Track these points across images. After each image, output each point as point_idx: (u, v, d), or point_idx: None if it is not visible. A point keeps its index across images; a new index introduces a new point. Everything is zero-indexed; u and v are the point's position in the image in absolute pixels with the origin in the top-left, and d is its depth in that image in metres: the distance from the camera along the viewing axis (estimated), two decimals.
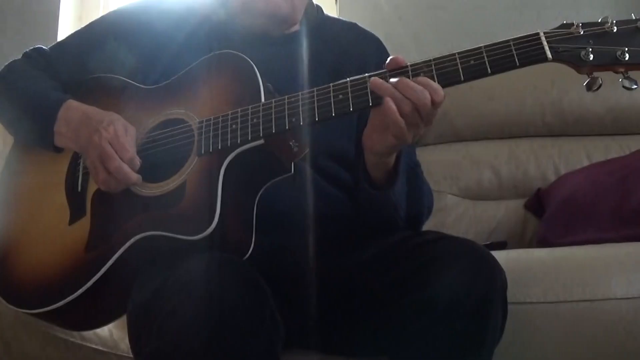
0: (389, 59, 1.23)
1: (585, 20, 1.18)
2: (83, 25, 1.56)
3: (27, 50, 1.52)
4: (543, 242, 1.96)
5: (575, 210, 1.95)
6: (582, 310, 1.42)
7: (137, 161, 1.30)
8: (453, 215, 2.15)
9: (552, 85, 2.15)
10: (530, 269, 1.49)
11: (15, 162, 1.47)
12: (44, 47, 1.52)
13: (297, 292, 1.34)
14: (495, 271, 1.23)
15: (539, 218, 2.07)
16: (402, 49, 1.57)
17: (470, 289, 1.20)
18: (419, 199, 1.41)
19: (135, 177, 1.29)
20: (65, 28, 2.53)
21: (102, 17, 1.52)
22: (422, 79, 1.18)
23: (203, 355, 1.08)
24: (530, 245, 2.09)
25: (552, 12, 2.46)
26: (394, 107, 1.18)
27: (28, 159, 1.45)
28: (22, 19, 2.49)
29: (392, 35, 1.58)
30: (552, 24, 1.20)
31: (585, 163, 2.14)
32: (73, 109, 1.36)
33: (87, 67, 1.46)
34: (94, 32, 1.50)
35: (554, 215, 1.98)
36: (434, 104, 1.18)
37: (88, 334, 1.53)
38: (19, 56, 1.52)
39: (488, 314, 1.22)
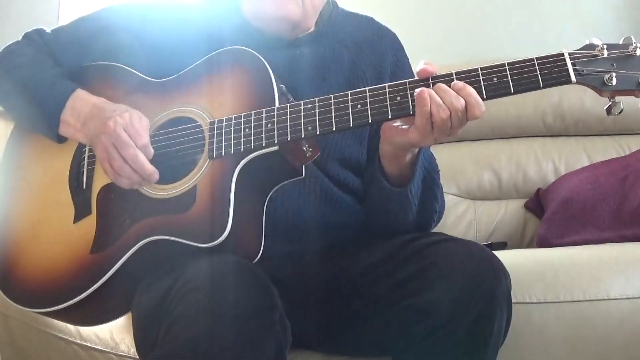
0: (419, 68, 1.21)
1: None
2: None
3: (28, 31, 1.48)
4: (543, 242, 1.96)
5: (575, 211, 1.95)
6: (582, 310, 1.42)
7: (151, 150, 1.27)
8: (453, 216, 2.15)
9: None
10: (530, 269, 1.49)
11: (14, 155, 1.45)
12: (45, 29, 1.48)
13: (302, 294, 1.33)
14: (500, 274, 1.23)
15: (539, 218, 2.07)
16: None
17: (475, 292, 1.20)
18: (432, 203, 1.40)
19: (150, 168, 1.26)
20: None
21: (106, 8, 1.48)
22: (467, 88, 1.16)
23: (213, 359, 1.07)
24: (530, 245, 2.09)
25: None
26: (428, 109, 1.16)
27: (28, 153, 1.43)
28: (22, 16, 2.48)
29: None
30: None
31: (585, 163, 2.14)
32: (82, 99, 1.34)
33: (88, 57, 1.43)
34: (97, 23, 1.46)
35: (554, 215, 1.98)
36: (473, 115, 1.16)
37: (88, 334, 1.53)
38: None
39: (493, 317, 1.22)
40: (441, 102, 1.16)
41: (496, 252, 1.28)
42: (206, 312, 1.08)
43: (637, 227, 1.84)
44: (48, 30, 1.48)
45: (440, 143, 1.24)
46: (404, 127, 1.23)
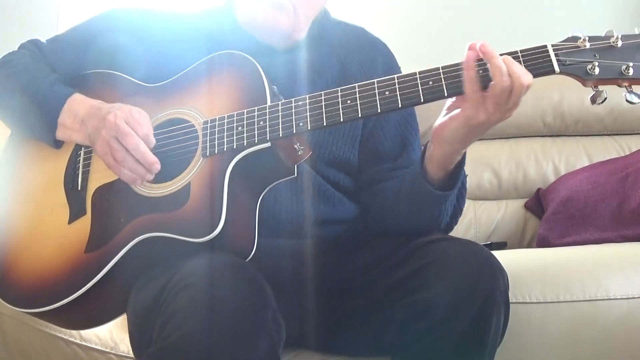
0: (470, 45, 1.21)
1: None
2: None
3: (24, 42, 1.50)
4: (543, 242, 1.96)
5: (575, 210, 1.95)
6: (582, 310, 1.42)
7: (152, 138, 1.29)
8: None
9: (553, 86, 2.16)
10: (530, 269, 1.49)
11: (10, 160, 1.46)
12: (40, 39, 1.49)
13: (298, 293, 1.34)
14: (498, 273, 1.23)
15: (539, 218, 2.08)
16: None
17: (473, 291, 1.20)
18: (460, 206, 1.41)
19: (152, 157, 1.26)
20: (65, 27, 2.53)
21: (103, 13, 1.50)
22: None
23: (206, 357, 1.08)
24: (530, 245, 2.09)
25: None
26: (473, 70, 1.16)
27: (24, 157, 1.44)
28: (21, 20, 2.49)
29: (380, 34, 1.57)
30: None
31: (585, 163, 2.14)
32: (79, 101, 1.35)
33: (85, 62, 1.44)
34: (93, 27, 1.48)
35: (554, 215, 1.98)
36: (522, 85, 1.16)
37: (88, 334, 1.53)
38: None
39: (490, 316, 1.22)
40: (507, 72, 1.16)
41: (496, 252, 1.28)
42: (199, 310, 1.09)
43: (637, 227, 1.84)
44: (43, 40, 1.49)
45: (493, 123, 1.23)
46: (454, 112, 1.23)
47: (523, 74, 1.17)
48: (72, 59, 1.45)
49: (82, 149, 1.38)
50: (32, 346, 1.60)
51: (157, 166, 1.27)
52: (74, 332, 1.54)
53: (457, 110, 1.22)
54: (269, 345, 1.13)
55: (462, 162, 1.31)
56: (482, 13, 2.52)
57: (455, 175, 1.31)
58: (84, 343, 1.53)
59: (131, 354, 1.45)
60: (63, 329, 1.55)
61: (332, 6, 1.53)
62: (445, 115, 1.25)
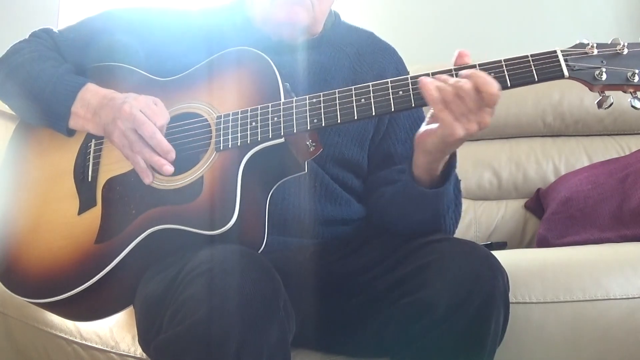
0: (457, 52, 1.23)
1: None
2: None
3: (36, 30, 1.50)
4: (543, 242, 1.96)
5: (575, 210, 1.95)
6: (582, 310, 1.42)
7: (165, 128, 1.30)
8: None
9: (553, 86, 2.16)
10: (530, 269, 1.49)
11: (17, 149, 1.46)
12: (52, 28, 1.50)
13: (300, 292, 1.34)
14: (497, 273, 1.24)
15: (539, 218, 2.08)
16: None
17: (472, 291, 1.20)
18: (458, 216, 1.41)
19: (168, 145, 1.28)
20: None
21: (103, 12, 1.51)
22: (472, 71, 1.18)
23: (219, 343, 1.08)
24: (530, 245, 2.10)
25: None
26: (433, 93, 1.16)
27: (32, 147, 1.44)
28: (22, 17, 2.49)
29: (386, 35, 1.58)
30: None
31: (585, 163, 2.15)
32: (92, 91, 1.36)
33: (92, 53, 1.44)
34: (103, 19, 1.49)
35: (554, 215, 1.99)
36: (481, 91, 1.16)
37: (89, 333, 1.53)
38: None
39: (490, 316, 1.22)
40: (443, 84, 1.17)
41: (496, 252, 1.28)
42: (211, 297, 1.09)
43: (637, 227, 1.84)
44: (55, 30, 1.50)
45: (475, 136, 1.25)
46: (433, 126, 1.23)
47: (462, 82, 1.16)
48: (80, 51, 1.46)
49: (93, 140, 1.39)
50: (32, 345, 1.60)
51: (173, 154, 1.29)
52: (74, 331, 1.54)
53: (434, 125, 1.22)
54: (280, 334, 1.13)
55: (451, 164, 1.31)
56: (488, 17, 2.52)
57: (444, 176, 1.32)
58: (84, 342, 1.53)
59: (131, 352, 1.46)
60: (63, 328, 1.55)
61: (339, 6, 1.54)
62: (427, 125, 1.25)
